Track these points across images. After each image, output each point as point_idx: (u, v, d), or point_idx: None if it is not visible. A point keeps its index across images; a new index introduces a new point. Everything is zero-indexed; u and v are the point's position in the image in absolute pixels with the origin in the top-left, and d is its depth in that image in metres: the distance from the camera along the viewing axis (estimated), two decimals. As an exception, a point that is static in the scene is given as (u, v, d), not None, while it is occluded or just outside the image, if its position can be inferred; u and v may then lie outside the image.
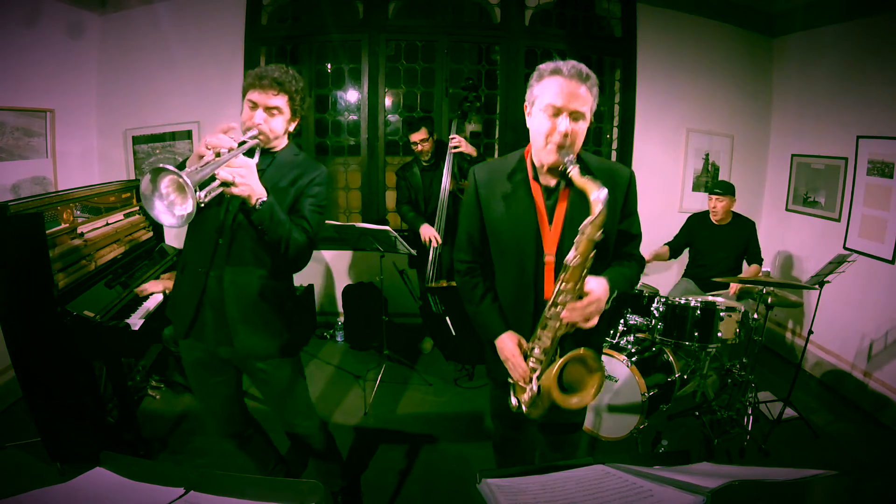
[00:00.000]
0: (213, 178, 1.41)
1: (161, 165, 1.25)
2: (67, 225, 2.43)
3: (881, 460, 2.69)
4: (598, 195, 1.31)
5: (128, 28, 3.71)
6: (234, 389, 1.92)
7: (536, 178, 1.50)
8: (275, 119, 1.69)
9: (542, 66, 1.44)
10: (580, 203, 1.40)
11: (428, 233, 3.31)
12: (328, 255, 4.22)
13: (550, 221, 1.49)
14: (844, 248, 3.36)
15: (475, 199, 1.57)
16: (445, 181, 3.28)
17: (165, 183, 1.28)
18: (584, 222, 1.33)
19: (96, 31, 3.68)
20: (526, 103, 1.50)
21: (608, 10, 4.06)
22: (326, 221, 3.39)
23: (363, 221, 3.81)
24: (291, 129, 1.78)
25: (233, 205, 1.63)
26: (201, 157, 1.44)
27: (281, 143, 1.77)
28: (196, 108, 3.84)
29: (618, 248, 1.55)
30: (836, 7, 3.42)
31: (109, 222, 2.78)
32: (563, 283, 1.38)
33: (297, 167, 1.74)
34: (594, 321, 1.39)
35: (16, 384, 2.38)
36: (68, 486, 0.79)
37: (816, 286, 2.75)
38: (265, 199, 1.51)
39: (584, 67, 1.40)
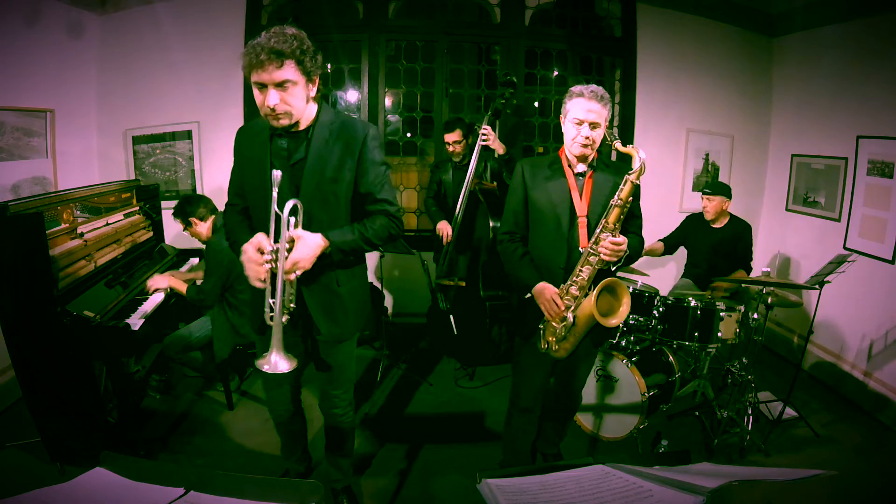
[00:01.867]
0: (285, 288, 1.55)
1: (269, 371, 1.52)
2: (67, 225, 2.43)
3: (881, 460, 2.69)
4: (641, 155, 1.87)
5: (128, 28, 3.71)
6: (300, 368, 1.97)
7: (570, 167, 2.00)
8: (290, 94, 1.50)
9: (572, 89, 1.95)
10: (601, 183, 1.97)
11: (443, 228, 3.30)
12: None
13: (581, 194, 1.98)
14: (844, 248, 3.36)
15: (522, 181, 2.03)
16: (467, 180, 3.19)
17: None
18: (630, 172, 1.86)
19: (96, 31, 3.68)
20: (561, 116, 2.01)
21: (608, 10, 4.06)
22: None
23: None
24: (313, 94, 1.58)
25: (279, 207, 1.54)
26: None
27: (310, 113, 1.62)
28: (196, 108, 3.84)
29: (625, 224, 1.96)
30: (836, 7, 3.42)
31: (109, 222, 2.78)
32: (606, 223, 1.86)
33: (339, 140, 1.62)
34: (616, 257, 1.85)
35: (16, 384, 2.37)
36: (68, 486, 0.79)
37: (816, 286, 2.75)
38: (326, 247, 1.58)
39: (600, 90, 1.91)
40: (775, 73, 4.09)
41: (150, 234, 3.19)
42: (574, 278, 1.90)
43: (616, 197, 1.86)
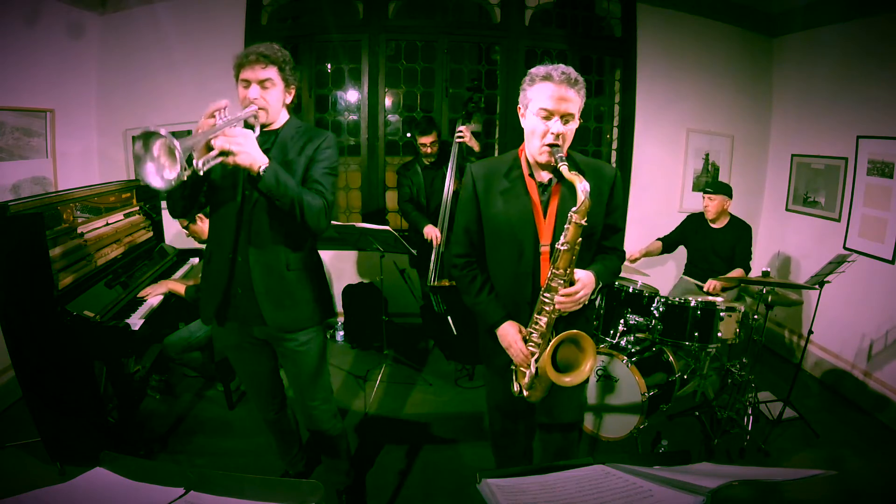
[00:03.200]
0: (210, 149, 1.49)
1: (153, 129, 1.27)
2: (67, 225, 2.43)
3: (881, 460, 2.69)
4: (582, 187, 1.45)
5: (128, 28, 3.71)
6: (273, 365, 2.01)
7: (532, 175, 1.63)
8: (269, 92, 1.72)
9: (533, 71, 1.55)
10: (570, 197, 1.55)
11: (431, 232, 3.32)
12: (328, 255, 4.22)
13: (545, 214, 1.61)
14: (844, 248, 3.36)
15: (473, 194, 1.66)
16: (449, 181, 3.28)
17: (157, 146, 1.31)
18: (571, 210, 1.47)
19: (96, 31, 3.68)
20: (519, 106, 1.61)
21: (608, 10, 4.05)
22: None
23: (363, 221, 3.82)
24: (288, 101, 1.80)
25: (247, 188, 1.70)
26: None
27: (281, 118, 1.80)
28: (196, 108, 3.79)
29: (602, 241, 1.69)
30: (836, 7, 3.42)
31: (109, 222, 2.78)
32: (555, 269, 1.52)
33: (302, 137, 1.78)
34: (581, 304, 1.56)
35: (16, 384, 2.38)
36: (68, 486, 0.79)
37: (816, 286, 2.75)
38: (267, 165, 1.55)
39: (572, 72, 1.51)
40: (775, 73, 4.09)
41: (150, 234, 3.19)
42: (533, 325, 1.60)
43: (562, 239, 1.49)
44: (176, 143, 1.28)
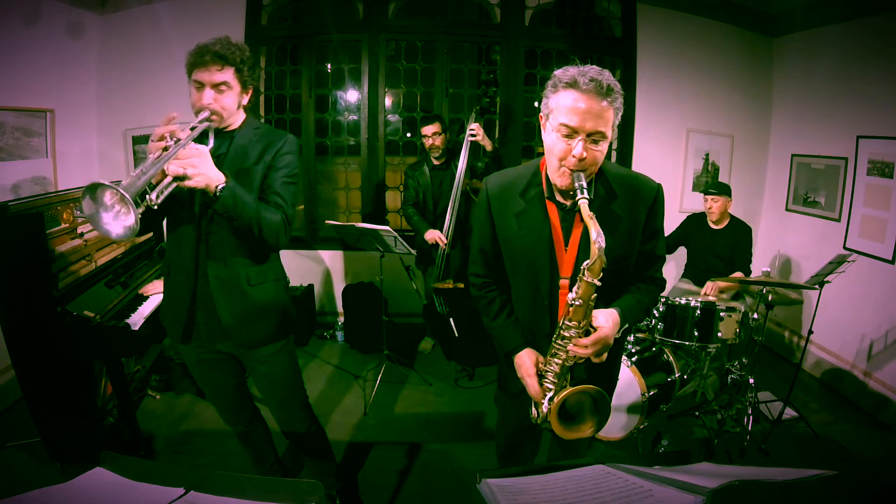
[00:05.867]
0: (164, 176, 1.36)
1: (97, 181, 1.18)
2: (67, 225, 2.43)
3: (881, 460, 2.69)
4: (597, 238, 1.22)
5: (128, 28, 3.71)
6: (240, 379, 1.92)
7: (552, 198, 1.40)
8: (224, 96, 1.61)
9: (558, 73, 1.31)
10: (600, 223, 1.28)
11: (433, 236, 3.30)
12: (328, 255, 4.22)
13: (566, 243, 1.40)
14: (844, 248, 3.36)
15: (487, 212, 1.49)
16: (460, 175, 3.22)
17: (107, 196, 1.21)
18: (584, 265, 1.26)
19: (96, 31, 3.68)
20: (541, 114, 1.36)
21: (608, 10, 4.06)
22: (326, 221, 3.42)
23: (363, 221, 3.82)
24: (245, 102, 1.69)
25: (204, 199, 1.56)
26: (155, 151, 1.38)
27: (237, 119, 1.70)
28: (196, 108, 3.84)
29: (638, 270, 1.46)
30: (836, 7, 3.42)
31: (109, 222, 2.77)
32: (567, 321, 1.33)
33: (261, 141, 1.68)
34: (604, 356, 1.36)
35: (16, 384, 2.38)
36: (68, 486, 0.79)
37: (816, 286, 2.75)
38: (224, 184, 1.45)
39: (605, 78, 1.26)
40: (775, 73, 4.09)
41: (150, 233, 3.18)
42: (547, 365, 1.42)
43: (574, 293, 1.29)
44: (123, 191, 1.16)
